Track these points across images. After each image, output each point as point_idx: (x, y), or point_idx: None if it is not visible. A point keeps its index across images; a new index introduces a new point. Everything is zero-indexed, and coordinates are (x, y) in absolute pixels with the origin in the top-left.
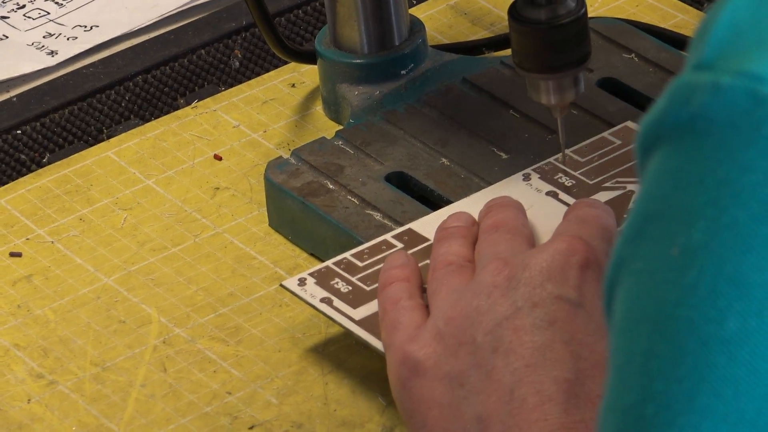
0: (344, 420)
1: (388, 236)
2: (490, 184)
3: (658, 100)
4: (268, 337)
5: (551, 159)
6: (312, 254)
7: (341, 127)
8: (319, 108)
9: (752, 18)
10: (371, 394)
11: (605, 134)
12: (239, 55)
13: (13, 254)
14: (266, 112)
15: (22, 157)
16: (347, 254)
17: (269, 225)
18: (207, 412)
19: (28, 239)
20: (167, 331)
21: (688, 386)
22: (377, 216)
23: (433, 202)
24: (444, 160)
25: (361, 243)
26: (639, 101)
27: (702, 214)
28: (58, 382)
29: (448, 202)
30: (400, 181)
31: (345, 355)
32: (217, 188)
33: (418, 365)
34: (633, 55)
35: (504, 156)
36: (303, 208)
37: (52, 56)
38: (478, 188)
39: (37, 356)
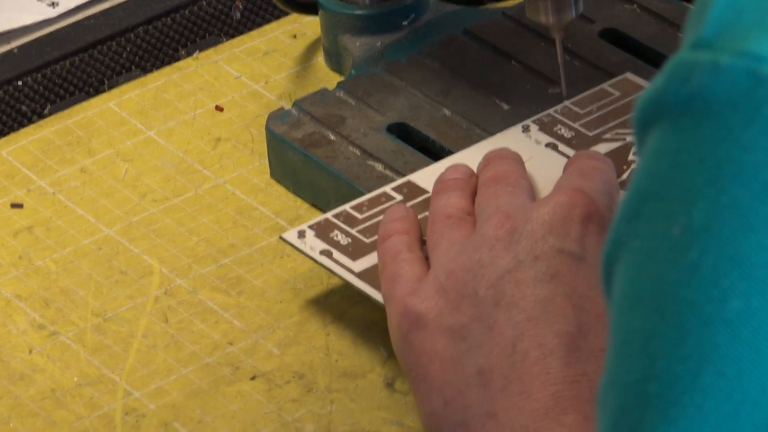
0: (346, 371)
1: (387, 188)
2: (491, 134)
3: (656, 77)
4: (269, 287)
5: (550, 111)
6: (313, 205)
7: (343, 78)
8: (320, 59)
9: None
10: (373, 344)
11: (605, 86)
12: (240, 6)
13: (14, 205)
14: (268, 63)
15: (24, 108)
16: (346, 206)
17: (270, 176)
18: (208, 362)
19: (29, 190)
20: (168, 281)
21: (691, 366)
22: (378, 167)
23: (434, 152)
24: (445, 110)
25: (362, 194)
26: (641, 52)
27: (702, 193)
28: (60, 333)
29: (450, 153)
30: (401, 131)
31: (346, 306)
32: (219, 139)
33: (419, 318)
34: (635, 5)
35: (505, 107)
36: (304, 159)
37: (53, 7)
38: (480, 139)
39: (39, 307)
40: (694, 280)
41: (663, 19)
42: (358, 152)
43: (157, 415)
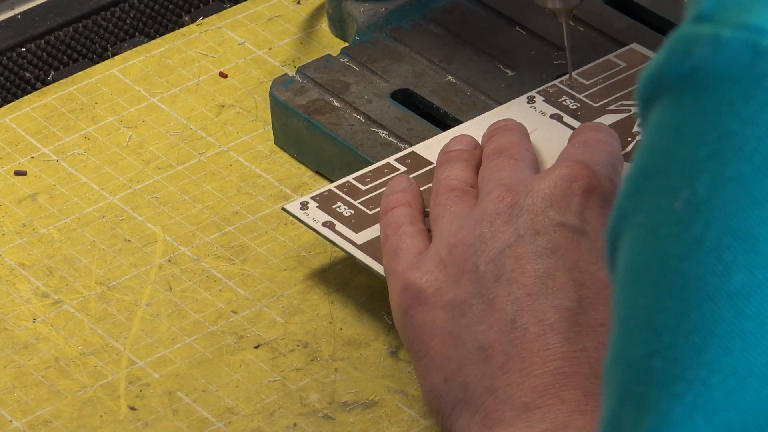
0: (350, 339)
1: (391, 159)
2: (495, 101)
3: (658, 52)
4: (273, 255)
5: (556, 81)
6: (317, 172)
7: (347, 44)
8: (324, 25)
9: None
10: (377, 313)
11: (610, 57)
12: None
13: (18, 173)
14: (271, 29)
15: (27, 75)
16: (350, 177)
17: (275, 143)
18: (212, 331)
19: (33, 158)
20: (172, 249)
21: (696, 340)
22: (383, 134)
23: (438, 119)
24: (450, 77)
25: (366, 161)
26: (645, 17)
27: (704, 167)
28: (64, 302)
29: (454, 120)
30: (405, 98)
31: (351, 274)
32: (223, 106)
33: (419, 293)
34: None
35: (510, 73)
36: (308, 126)
37: None
38: (484, 105)
39: (42, 275)
40: (698, 254)
41: None
42: (362, 119)
43: (161, 384)
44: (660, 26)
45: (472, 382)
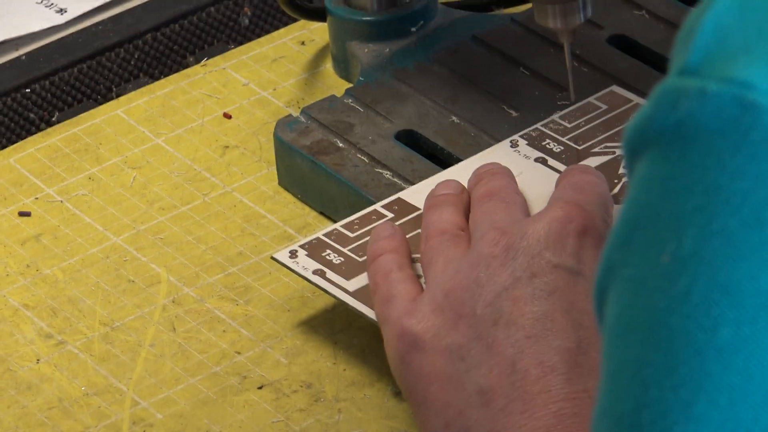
0: (354, 380)
1: (377, 206)
2: (499, 141)
3: (644, 104)
4: (277, 296)
5: (538, 125)
6: (321, 213)
7: (351, 85)
8: (328, 66)
9: (738, 22)
10: (380, 354)
11: (591, 99)
12: (249, 13)
13: (22, 213)
14: (276, 70)
15: (31, 115)
16: (337, 225)
17: (279, 184)
18: (216, 371)
19: (37, 198)
20: (176, 290)
21: (684, 395)
22: (387, 174)
23: (442, 160)
24: (454, 118)
25: (370, 201)
26: (649, 58)
27: (691, 221)
28: (67, 342)
29: (458, 160)
30: (409, 139)
31: (354, 315)
32: (227, 147)
33: (416, 339)
34: (643, 11)
35: (514, 114)
36: (313, 167)
37: (61, 14)
38: (488, 146)
39: (46, 316)
40: (685, 308)
41: (671, 24)
42: (366, 160)
43: (165, 425)
44: (663, 66)
45: (473, 426)
